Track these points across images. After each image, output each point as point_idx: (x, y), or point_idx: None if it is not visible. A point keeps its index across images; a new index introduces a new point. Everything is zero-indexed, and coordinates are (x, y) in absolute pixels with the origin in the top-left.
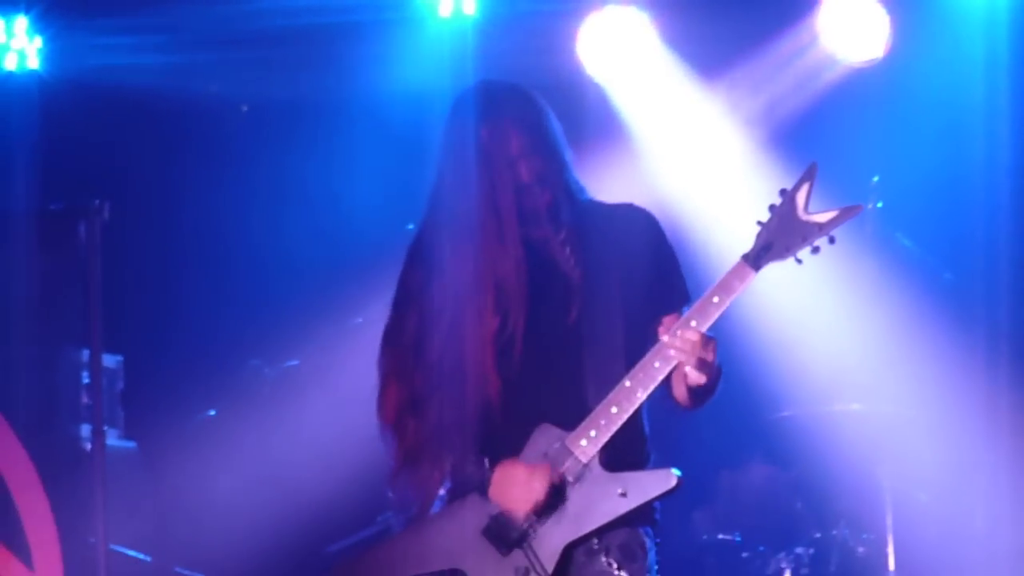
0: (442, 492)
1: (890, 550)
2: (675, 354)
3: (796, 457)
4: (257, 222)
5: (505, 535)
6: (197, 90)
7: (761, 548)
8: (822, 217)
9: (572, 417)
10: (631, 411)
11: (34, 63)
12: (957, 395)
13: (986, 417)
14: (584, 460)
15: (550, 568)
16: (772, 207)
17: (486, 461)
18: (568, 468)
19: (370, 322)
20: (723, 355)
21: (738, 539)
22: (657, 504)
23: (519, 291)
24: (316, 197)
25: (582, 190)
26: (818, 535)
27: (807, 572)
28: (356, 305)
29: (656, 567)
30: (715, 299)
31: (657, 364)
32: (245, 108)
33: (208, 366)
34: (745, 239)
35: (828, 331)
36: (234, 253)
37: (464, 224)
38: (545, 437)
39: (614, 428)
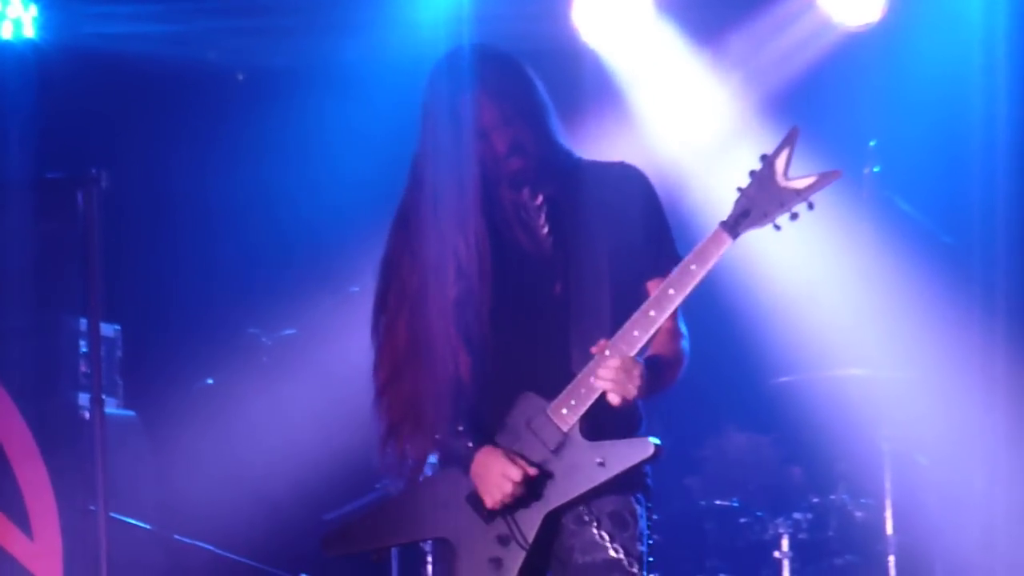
0: (433, 460)
1: (888, 514)
2: (599, 384)
3: (795, 422)
4: (254, 190)
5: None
6: (194, 58)
7: (759, 513)
8: (801, 183)
9: (557, 385)
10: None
11: (30, 31)
12: (956, 359)
13: (984, 380)
14: (564, 429)
15: (530, 536)
16: (752, 173)
17: (469, 442)
18: (549, 437)
19: (367, 291)
20: (723, 321)
21: (736, 504)
22: (648, 470)
23: (480, 263)
24: (312, 165)
25: (569, 153)
26: (816, 500)
27: (805, 537)
28: (353, 274)
29: (647, 533)
30: (692, 267)
31: (636, 333)
32: (241, 76)
33: (206, 335)
34: (729, 200)
35: (826, 296)
36: (231, 221)
37: (433, 194)
38: (527, 406)
39: (594, 397)
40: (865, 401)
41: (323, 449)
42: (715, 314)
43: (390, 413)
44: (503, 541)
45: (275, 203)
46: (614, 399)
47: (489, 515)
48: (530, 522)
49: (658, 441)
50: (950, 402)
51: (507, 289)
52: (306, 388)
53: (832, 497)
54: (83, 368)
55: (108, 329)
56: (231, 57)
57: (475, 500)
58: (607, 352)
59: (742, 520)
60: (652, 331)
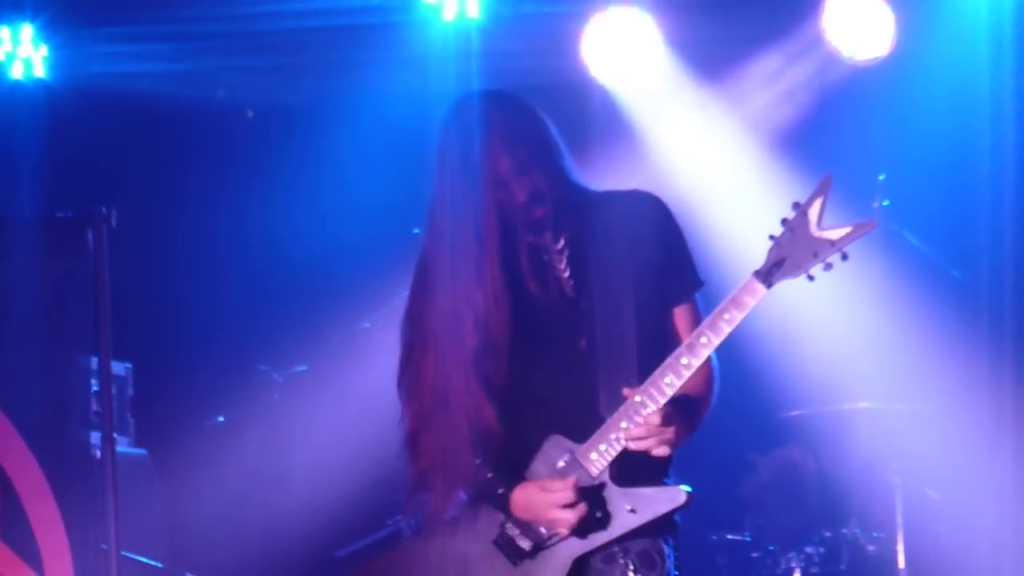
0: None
1: (900, 547)
2: (633, 445)
3: (806, 456)
4: (264, 227)
5: (516, 546)
6: (202, 96)
7: (771, 547)
8: (835, 234)
9: (584, 428)
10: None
11: (40, 71)
12: (965, 392)
13: (993, 414)
14: (594, 474)
15: None
16: (784, 221)
17: (500, 488)
18: (579, 481)
19: (378, 327)
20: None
21: (748, 538)
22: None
23: (498, 313)
24: (323, 202)
25: (585, 190)
26: (828, 534)
27: (817, 571)
28: (364, 310)
29: (676, 573)
30: (727, 316)
31: (668, 379)
32: (251, 114)
33: (217, 372)
34: (752, 241)
35: (836, 330)
36: (242, 259)
37: (450, 244)
38: (556, 449)
39: (624, 444)
40: (876, 435)
41: (335, 485)
42: (725, 348)
43: (418, 463)
44: None
45: (285, 239)
46: (662, 451)
47: (517, 558)
48: (559, 566)
49: (689, 489)
50: (959, 435)
51: (529, 336)
52: (318, 424)
53: (844, 531)
54: (94, 406)
55: (119, 367)
56: (240, 94)
57: (503, 542)
58: (637, 399)
59: (754, 554)
60: (685, 377)
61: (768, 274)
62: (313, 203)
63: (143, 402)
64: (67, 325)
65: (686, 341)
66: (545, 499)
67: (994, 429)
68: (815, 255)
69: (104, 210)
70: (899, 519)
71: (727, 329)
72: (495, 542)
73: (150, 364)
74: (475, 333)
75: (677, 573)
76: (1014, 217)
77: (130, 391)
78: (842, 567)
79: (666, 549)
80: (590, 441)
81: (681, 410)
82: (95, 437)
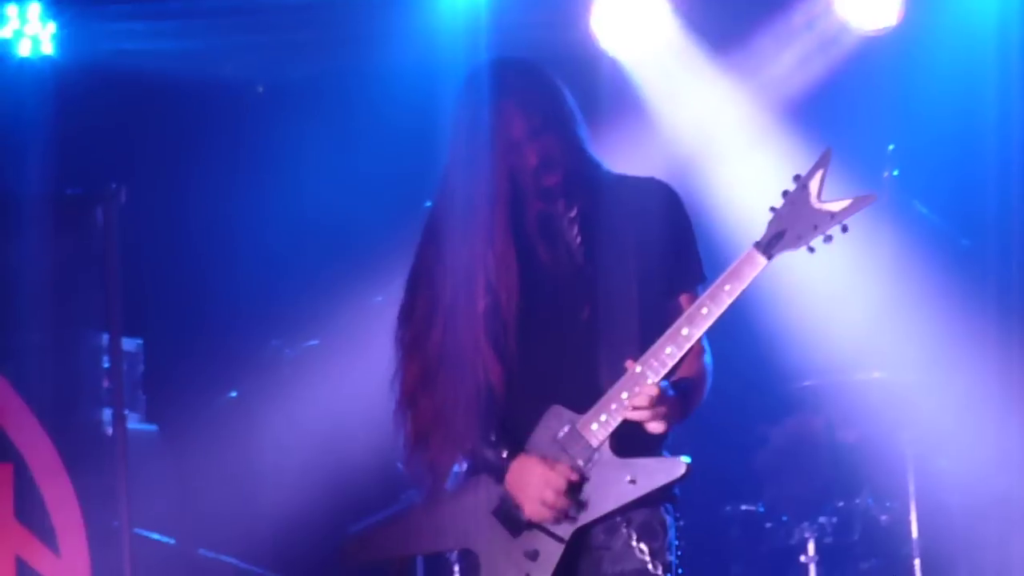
0: (460, 468)
1: (913, 517)
2: (633, 414)
3: (817, 426)
4: (275, 202)
5: (515, 517)
6: (212, 72)
7: (784, 518)
8: (835, 206)
9: (584, 399)
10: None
11: (48, 49)
12: (975, 361)
13: (1004, 382)
14: (595, 444)
15: (559, 552)
16: (785, 193)
17: (504, 451)
18: (578, 452)
19: (390, 301)
20: (745, 325)
21: (761, 509)
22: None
23: (507, 277)
24: (334, 176)
25: (598, 165)
26: (841, 504)
27: (830, 541)
28: (376, 284)
29: (677, 543)
30: (727, 287)
31: (669, 350)
32: (260, 89)
33: (228, 348)
34: (758, 215)
35: (847, 300)
36: (252, 234)
37: (462, 207)
38: (556, 420)
39: (625, 415)
40: (887, 404)
41: (347, 461)
42: (735, 319)
43: (418, 422)
44: (531, 556)
45: (296, 214)
46: (658, 428)
47: (516, 529)
48: (559, 537)
49: (689, 460)
50: (971, 404)
51: (535, 303)
52: (329, 399)
53: (857, 501)
54: (105, 383)
55: (130, 344)
56: (249, 70)
57: (503, 513)
58: (638, 369)
59: (767, 525)
60: (686, 348)
61: (768, 246)
62: (324, 177)
63: (154, 379)
64: (77, 302)
65: (686, 312)
66: (542, 478)
67: (1005, 397)
68: (815, 227)
69: (114, 187)
70: (911, 489)
71: (727, 300)
72: (494, 513)
73: (161, 340)
74: (486, 295)
75: (678, 543)
76: (1022, 185)
77: (141, 368)
78: (855, 537)
79: (667, 519)
80: (591, 412)
81: (677, 391)
82: (106, 414)
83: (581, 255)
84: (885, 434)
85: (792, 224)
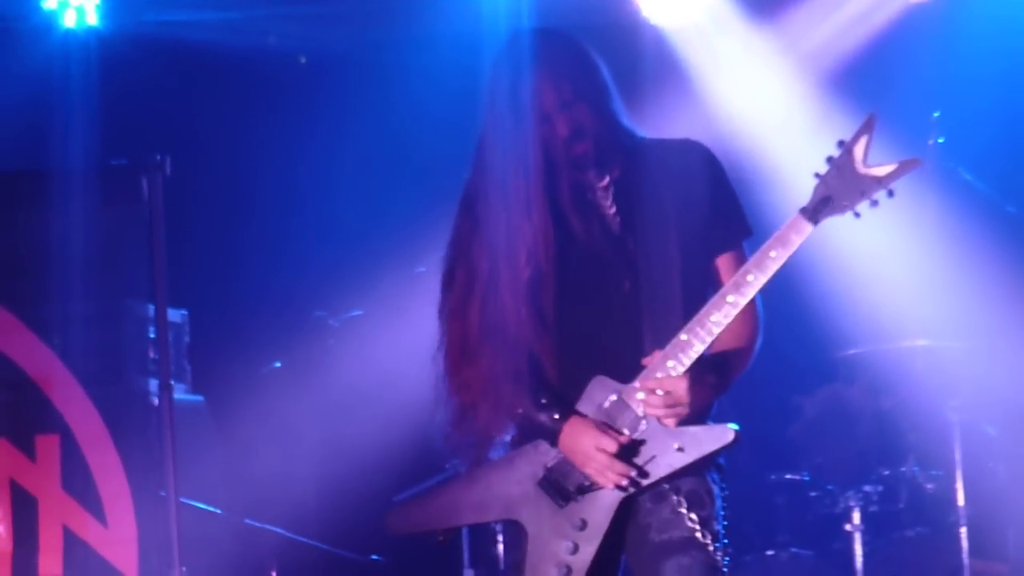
0: (506, 439)
1: (959, 485)
2: (650, 411)
3: (863, 395)
4: (318, 173)
5: (561, 487)
6: (255, 43)
7: (829, 487)
8: (881, 171)
9: (630, 369)
10: (688, 365)
11: (92, 19)
12: (1022, 328)
13: None
14: (641, 414)
15: (607, 521)
16: (829, 159)
17: (556, 413)
18: (625, 422)
19: (433, 271)
20: (790, 294)
21: (806, 478)
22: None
23: (545, 247)
24: (376, 146)
25: (631, 133)
26: (887, 472)
27: (876, 509)
28: (419, 254)
29: (724, 512)
30: (772, 253)
31: (714, 317)
32: (303, 60)
33: (272, 318)
34: (803, 183)
35: (892, 268)
36: (296, 204)
37: (498, 179)
38: (601, 389)
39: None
40: (933, 372)
41: (392, 430)
42: (780, 288)
43: (464, 392)
44: (579, 526)
45: (339, 185)
46: (670, 423)
47: (564, 498)
48: (606, 507)
49: (737, 427)
50: (1017, 371)
51: (575, 273)
52: (374, 369)
53: (902, 469)
54: (151, 354)
55: (175, 315)
56: (292, 41)
57: (549, 483)
58: (684, 337)
59: (812, 494)
60: (732, 316)
61: (814, 212)
62: (367, 147)
63: (199, 349)
64: (123, 273)
65: (732, 279)
66: (594, 440)
67: None
68: (862, 193)
69: (158, 157)
70: (957, 456)
71: (773, 267)
72: (539, 484)
73: (206, 311)
74: (528, 265)
75: (724, 512)
76: None
77: (186, 338)
78: (901, 505)
79: (715, 488)
80: (635, 381)
81: (714, 368)
82: (152, 385)
83: (617, 225)
84: (931, 402)
85: (838, 190)
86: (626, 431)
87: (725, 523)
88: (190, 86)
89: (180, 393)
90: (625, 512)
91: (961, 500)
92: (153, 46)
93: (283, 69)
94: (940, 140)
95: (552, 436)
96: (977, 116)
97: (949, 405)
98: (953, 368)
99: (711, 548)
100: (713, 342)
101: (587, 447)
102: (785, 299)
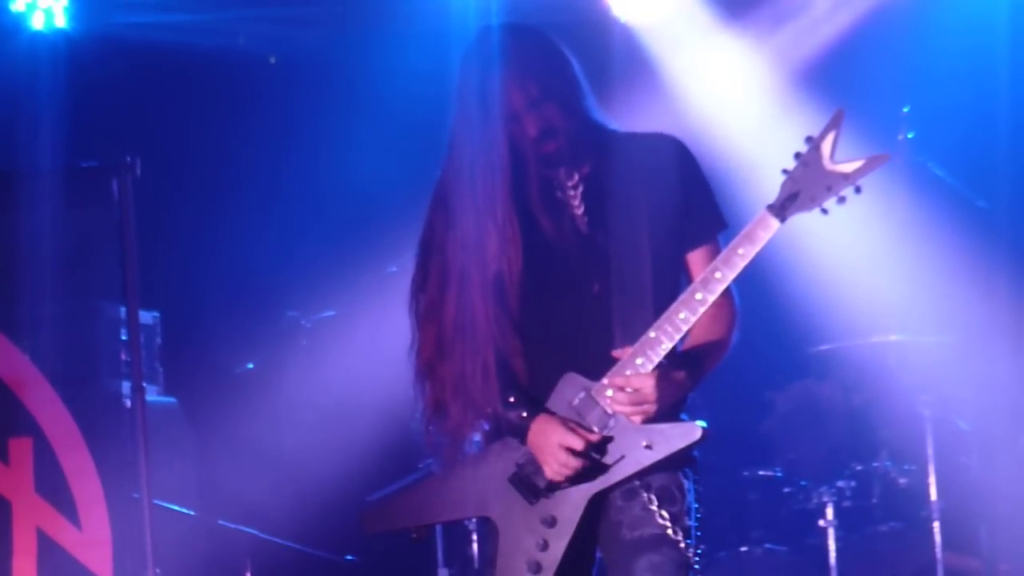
0: (478, 437)
1: (931, 480)
2: (617, 408)
3: (836, 391)
4: (288, 173)
5: (531, 484)
6: (225, 44)
7: (803, 482)
8: (848, 167)
9: (600, 367)
10: (656, 362)
11: (61, 21)
12: (992, 322)
13: (1021, 343)
14: (611, 411)
15: (576, 517)
16: (797, 155)
17: (523, 411)
18: (594, 419)
19: (405, 271)
20: (762, 291)
21: (779, 474)
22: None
23: (509, 248)
24: (347, 146)
25: (603, 128)
26: (860, 467)
27: (849, 504)
28: (390, 254)
29: (696, 507)
30: (740, 251)
31: (683, 315)
32: (273, 60)
33: (245, 319)
34: (773, 179)
35: (863, 263)
36: (267, 205)
37: (468, 176)
38: (570, 387)
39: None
40: (905, 367)
41: (365, 430)
42: (753, 284)
43: (437, 390)
44: (549, 522)
45: (310, 185)
46: (637, 420)
47: (534, 495)
48: (575, 503)
49: (705, 424)
50: (988, 366)
51: (543, 272)
52: (347, 369)
53: (875, 464)
54: (123, 356)
55: (147, 316)
56: (262, 42)
57: (520, 480)
58: (652, 334)
59: (786, 490)
60: (700, 312)
61: (782, 208)
62: (337, 147)
63: (171, 351)
64: (94, 275)
65: (700, 276)
66: (560, 438)
67: (1022, 358)
68: (829, 188)
69: (128, 159)
70: (930, 451)
71: (741, 263)
72: (510, 480)
73: (177, 312)
74: (495, 264)
75: (698, 506)
76: None
77: (158, 340)
78: (874, 500)
79: (686, 484)
80: (605, 378)
81: (685, 363)
82: (125, 387)
83: (586, 224)
84: (903, 397)
85: (805, 186)
86: (595, 428)
87: (699, 516)
88: (160, 87)
89: (152, 395)
90: (596, 509)
91: (934, 494)
92: (122, 48)
93: (253, 70)
94: (910, 135)
95: (521, 434)
96: (947, 111)
97: (921, 400)
98: (925, 363)
99: (682, 545)
100: (683, 338)
101: (553, 445)
102: (758, 295)
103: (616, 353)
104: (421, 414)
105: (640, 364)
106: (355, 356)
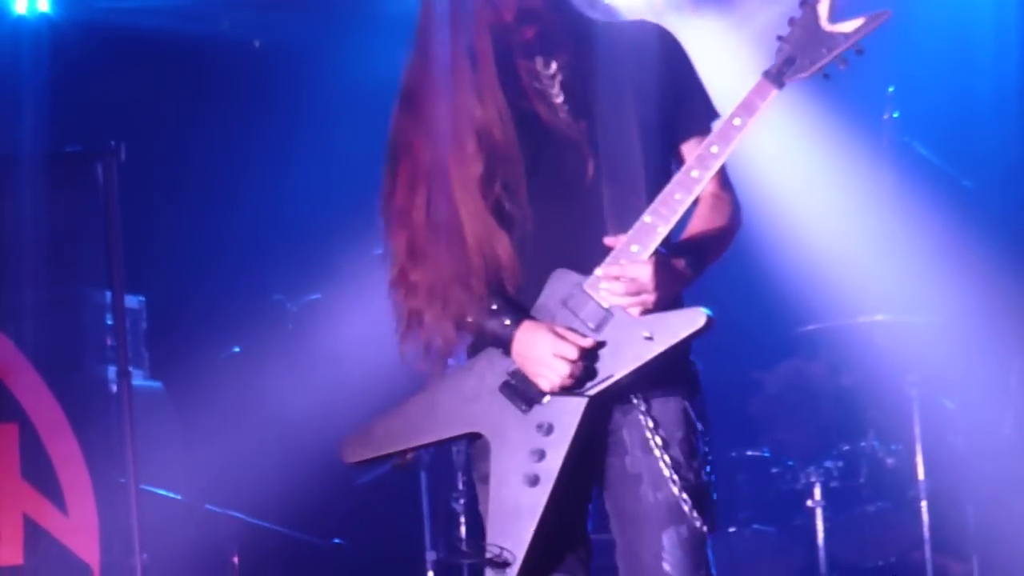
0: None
1: (919, 459)
2: (612, 302)
3: (823, 371)
4: (274, 157)
5: (525, 391)
6: (209, 28)
7: (790, 463)
8: (847, 26)
9: (593, 261)
10: (653, 248)
11: (44, 6)
12: (979, 301)
13: (1007, 322)
14: (606, 304)
15: (575, 423)
16: (792, 19)
17: (507, 319)
18: (589, 315)
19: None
20: (747, 271)
21: (767, 454)
22: (698, 370)
23: (504, 133)
24: (332, 128)
25: (582, 16)
26: (847, 447)
27: (837, 484)
28: (376, 236)
29: (701, 427)
30: (736, 121)
31: (678, 195)
32: (257, 43)
33: (231, 303)
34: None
35: (849, 242)
36: (252, 189)
37: (441, 67)
38: (562, 283)
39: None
40: (891, 347)
41: (352, 413)
42: (739, 265)
43: (410, 300)
44: (545, 430)
45: (295, 168)
46: (635, 312)
47: (527, 403)
48: (573, 408)
49: (710, 312)
50: (975, 345)
51: (532, 161)
52: (333, 352)
53: (862, 444)
54: (109, 341)
55: (132, 301)
56: (246, 26)
57: (511, 388)
58: (648, 219)
59: (773, 470)
60: (696, 191)
61: (779, 74)
62: (323, 130)
63: (157, 335)
64: (79, 260)
65: (696, 152)
66: (551, 346)
67: (1008, 337)
68: (828, 50)
69: (113, 144)
70: (917, 431)
71: (737, 135)
72: (501, 389)
73: (163, 297)
74: (479, 157)
75: (702, 426)
76: (1022, 126)
77: (144, 324)
78: (861, 480)
79: (690, 411)
80: (598, 271)
81: (683, 253)
82: (111, 371)
83: (565, 112)
84: (889, 376)
85: (803, 49)
86: (590, 325)
87: (710, 458)
88: (144, 72)
89: (139, 379)
90: (595, 419)
91: (921, 474)
92: (106, 32)
93: (237, 54)
94: (895, 115)
95: (505, 344)
96: (932, 90)
97: (908, 380)
98: (912, 343)
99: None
100: (678, 221)
101: (543, 354)
102: (745, 274)
103: (609, 241)
104: (396, 332)
105: (636, 251)
106: (341, 339)
